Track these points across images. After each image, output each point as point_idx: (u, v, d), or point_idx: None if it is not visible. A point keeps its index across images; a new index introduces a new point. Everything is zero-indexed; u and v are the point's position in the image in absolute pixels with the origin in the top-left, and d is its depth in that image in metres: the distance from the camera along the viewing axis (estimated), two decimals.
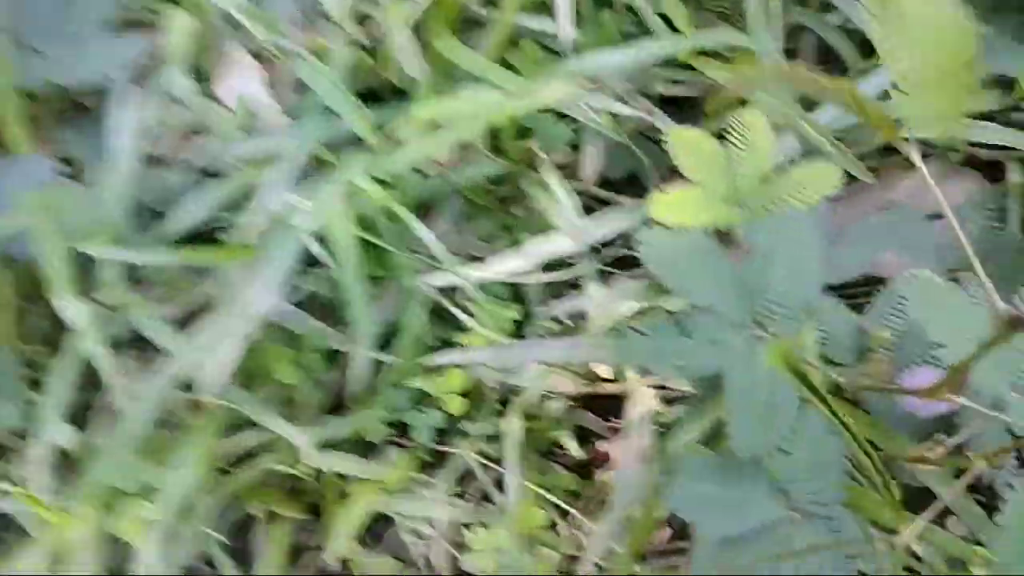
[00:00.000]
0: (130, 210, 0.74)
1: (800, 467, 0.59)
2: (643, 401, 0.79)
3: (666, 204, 0.65)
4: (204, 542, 0.79)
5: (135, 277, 0.77)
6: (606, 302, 0.80)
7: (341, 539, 0.80)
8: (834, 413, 0.58)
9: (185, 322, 0.77)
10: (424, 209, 0.81)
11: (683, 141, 0.67)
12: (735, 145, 0.67)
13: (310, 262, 0.76)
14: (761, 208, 0.66)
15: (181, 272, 0.75)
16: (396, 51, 0.78)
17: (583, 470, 0.87)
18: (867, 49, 0.86)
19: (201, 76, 0.80)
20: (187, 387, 0.73)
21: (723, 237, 0.67)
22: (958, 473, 0.64)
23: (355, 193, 0.70)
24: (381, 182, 0.71)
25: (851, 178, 0.76)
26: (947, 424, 0.64)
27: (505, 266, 0.80)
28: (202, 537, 0.78)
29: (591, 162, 0.84)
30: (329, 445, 0.80)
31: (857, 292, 0.78)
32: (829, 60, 0.89)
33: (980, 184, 0.84)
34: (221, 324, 0.69)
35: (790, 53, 0.85)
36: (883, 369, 0.69)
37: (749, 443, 0.58)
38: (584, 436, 0.87)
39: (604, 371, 0.82)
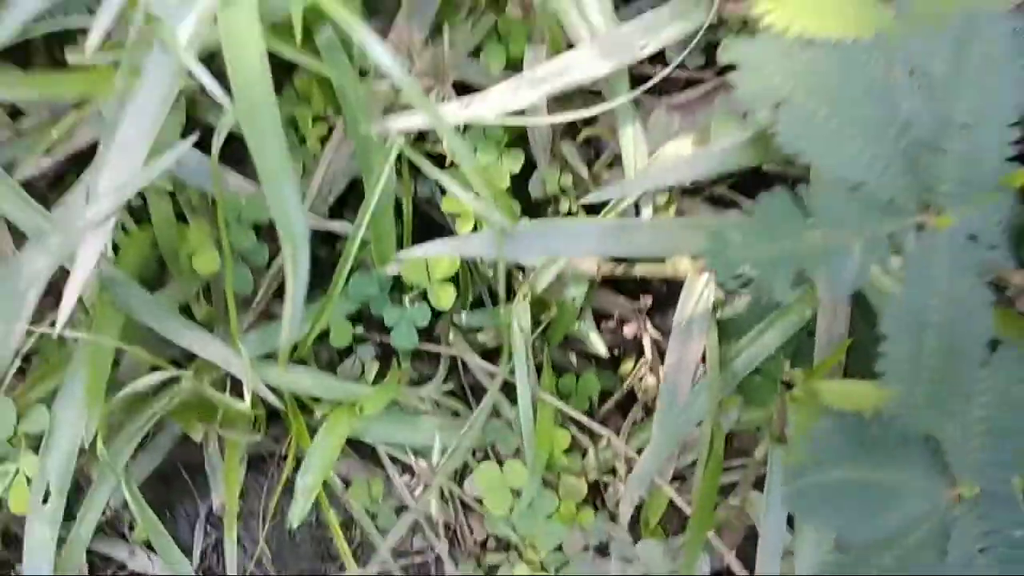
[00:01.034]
0: None
1: (977, 433, 0.40)
2: (700, 291, 0.58)
3: None
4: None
5: None
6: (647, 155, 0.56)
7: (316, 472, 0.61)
8: None
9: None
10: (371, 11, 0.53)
11: None
12: None
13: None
14: (927, 10, 0.41)
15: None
16: None
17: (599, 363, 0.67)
18: None
19: None
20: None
21: None
22: None
23: None
24: None
25: None
26: None
27: (501, 101, 0.54)
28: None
29: None
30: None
31: None
32: None
33: None
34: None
35: None
36: None
37: (914, 399, 0.38)
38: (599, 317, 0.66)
39: None
